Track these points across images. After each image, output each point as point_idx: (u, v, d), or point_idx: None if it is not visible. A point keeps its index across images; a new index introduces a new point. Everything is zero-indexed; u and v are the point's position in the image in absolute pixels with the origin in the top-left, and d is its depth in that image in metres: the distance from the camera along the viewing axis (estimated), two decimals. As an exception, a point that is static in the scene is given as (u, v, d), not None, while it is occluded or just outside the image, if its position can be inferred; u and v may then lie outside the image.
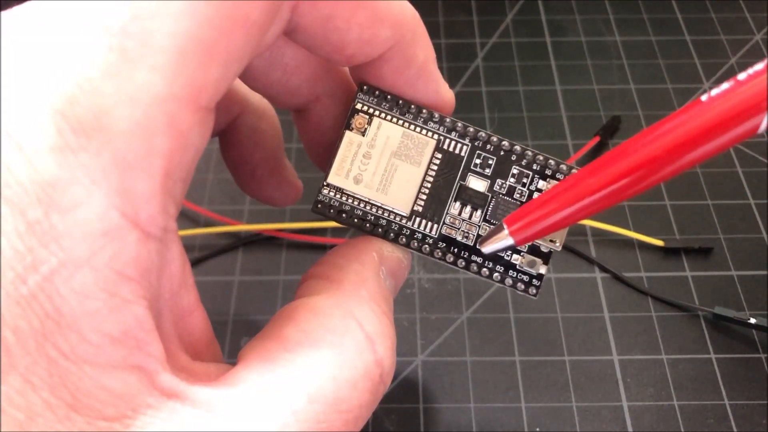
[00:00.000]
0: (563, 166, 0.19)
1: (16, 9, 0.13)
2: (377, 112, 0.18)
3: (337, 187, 0.18)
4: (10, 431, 0.11)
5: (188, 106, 0.12)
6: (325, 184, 0.18)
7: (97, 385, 0.12)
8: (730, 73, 0.38)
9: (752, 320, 0.28)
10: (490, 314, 0.29)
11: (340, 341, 0.15)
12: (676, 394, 0.27)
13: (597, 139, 0.34)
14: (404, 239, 0.19)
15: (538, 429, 0.26)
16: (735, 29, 0.40)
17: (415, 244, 0.19)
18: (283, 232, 0.31)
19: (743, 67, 0.38)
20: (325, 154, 0.19)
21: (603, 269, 0.31)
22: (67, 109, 0.12)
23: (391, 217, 0.18)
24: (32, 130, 0.11)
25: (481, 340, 0.29)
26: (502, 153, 0.19)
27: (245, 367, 0.14)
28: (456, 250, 0.19)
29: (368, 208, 0.18)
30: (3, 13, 0.13)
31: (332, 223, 0.31)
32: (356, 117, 0.18)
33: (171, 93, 0.12)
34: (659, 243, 0.31)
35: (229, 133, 0.21)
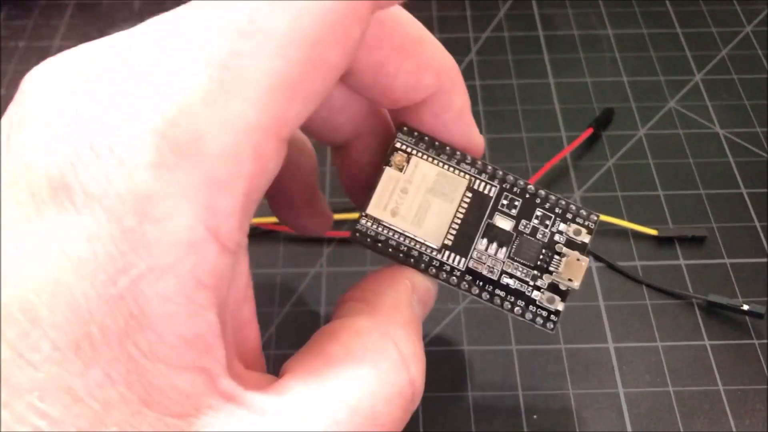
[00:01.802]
0: (583, 212, 0.20)
1: (133, 32, 0.14)
2: (415, 152, 0.20)
3: (375, 218, 0.19)
4: (86, 421, 0.12)
5: (272, 136, 0.14)
6: (363, 214, 0.19)
7: (168, 384, 0.13)
8: (722, 65, 0.38)
9: (745, 307, 0.28)
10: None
11: (378, 359, 0.16)
12: (671, 380, 0.27)
13: (590, 131, 0.34)
14: (434, 270, 0.20)
15: (535, 416, 0.26)
16: (725, 22, 0.40)
17: (444, 275, 0.20)
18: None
19: (734, 59, 0.39)
20: (360, 189, 0.21)
21: (597, 258, 0.31)
22: (167, 130, 0.13)
23: (423, 249, 0.20)
24: (134, 147, 0.12)
25: (478, 329, 0.29)
26: (527, 196, 0.20)
27: (293, 378, 0.15)
28: (481, 283, 0.20)
29: (402, 239, 0.20)
30: (120, 34, 0.14)
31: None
32: (396, 155, 0.20)
33: (259, 123, 0.13)
34: (653, 232, 0.31)
35: None
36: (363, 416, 0.15)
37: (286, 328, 0.29)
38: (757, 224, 0.32)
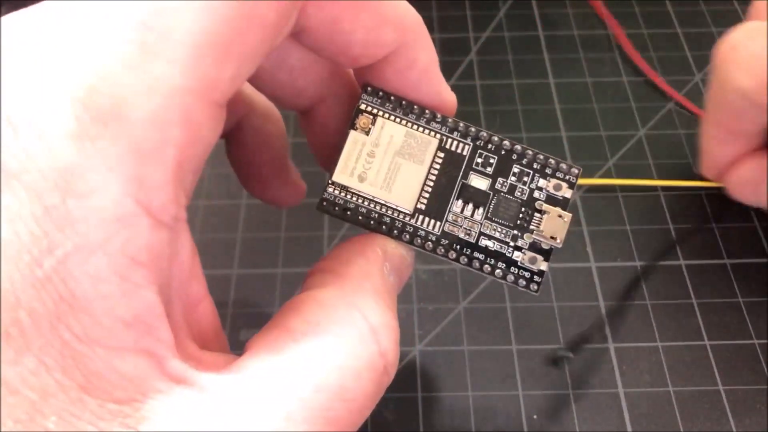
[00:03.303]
0: (563, 165, 0.19)
1: (42, 2, 0.13)
2: (381, 113, 0.19)
3: (342, 185, 0.19)
4: (24, 412, 0.11)
5: (202, 99, 0.13)
6: (330, 182, 0.19)
7: (108, 368, 0.12)
8: (721, 65, 0.38)
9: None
10: (487, 304, 0.29)
11: (344, 332, 0.15)
12: (671, 380, 0.27)
13: None
14: (407, 236, 0.19)
15: (535, 416, 0.26)
16: (725, 21, 0.40)
17: (419, 241, 0.19)
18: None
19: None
20: (330, 155, 0.20)
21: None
22: (87, 99, 0.12)
23: (395, 214, 0.19)
24: (52, 118, 0.12)
25: (478, 329, 0.29)
26: (503, 152, 0.19)
27: (252, 355, 0.14)
28: (458, 247, 0.19)
29: (372, 205, 0.19)
30: (31, 7, 0.13)
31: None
32: (360, 117, 0.19)
33: (186, 86, 0.13)
34: (653, 232, 0.31)
35: (234, 134, 0.21)
36: (330, 393, 0.14)
37: (286, 328, 0.29)
38: (757, 224, 0.32)
